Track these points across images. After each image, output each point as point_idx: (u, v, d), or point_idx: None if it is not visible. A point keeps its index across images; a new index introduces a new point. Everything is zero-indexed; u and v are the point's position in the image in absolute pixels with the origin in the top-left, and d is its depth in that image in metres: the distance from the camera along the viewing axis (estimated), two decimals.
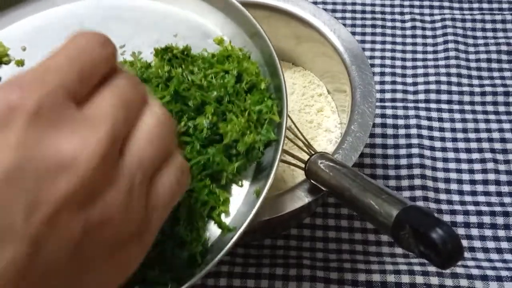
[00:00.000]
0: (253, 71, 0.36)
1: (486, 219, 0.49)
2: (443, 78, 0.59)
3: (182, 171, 0.24)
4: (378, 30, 0.64)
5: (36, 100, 0.18)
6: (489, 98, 0.57)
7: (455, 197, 0.51)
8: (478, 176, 0.52)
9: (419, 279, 0.45)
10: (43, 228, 0.18)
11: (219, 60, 0.37)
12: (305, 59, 0.57)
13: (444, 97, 0.57)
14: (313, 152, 0.39)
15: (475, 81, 0.59)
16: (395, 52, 0.62)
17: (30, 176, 0.18)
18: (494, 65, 0.60)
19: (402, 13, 0.65)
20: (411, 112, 0.56)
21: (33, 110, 0.18)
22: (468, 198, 0.51)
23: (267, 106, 0.35)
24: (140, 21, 0.39)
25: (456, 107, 0.57)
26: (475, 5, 0.65)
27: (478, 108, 0.57)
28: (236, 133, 0.33)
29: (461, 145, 0.54)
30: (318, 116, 0.54)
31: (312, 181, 0.38)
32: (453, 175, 0.52)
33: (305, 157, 0.39)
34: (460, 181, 0.52)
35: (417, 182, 0.51)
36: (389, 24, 0.64)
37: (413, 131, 0.55)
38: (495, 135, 0.54)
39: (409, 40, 0.63)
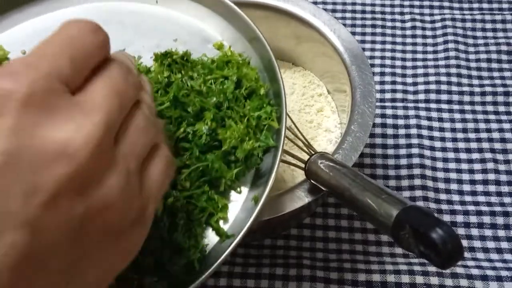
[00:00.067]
0: (253, 77, 0.36)
1: (486, 219, 0.49)
2: (443, 78, 0.59)
3: (168, 161, 0.24)
4: (378, 30, 0.64)
5: (28, 86, 0.18)
6: (489, 98, 0.57)
7: (455, 197, 0.51)
8: (478, 176, 0.52)
9: (419, 279, 0.45)
10: (41, 213, 0.18)
11: (218, 66, 0.37)
12: (305, 59, 0.57)
13: (444, 97, 0.57)
14: (313, 152, 0.39)
15: (475, 81, 0.59)
16: (395, 52, 0.62)
17: (26, 162, 0.18)
18: (494, 65, 0.60)
19: (402, 13, 0.65)
20: (411, 112, 0.56)
21: (25, 96, 0.18)
22: (468, 198, 0.51)
23: (266, 112, 0.35)
24: (140, 26, 0.39)
25: (456, 107, 0.57)
26: (475, 5, 0.66)
27: (478, 108, 0.57)
28: (235, 139, 0.33)
29: (461, 145, 0.54)
30: (318, 116, 0.54)
31: (312, 181, 0.38)
32: (453, 175, 0.52)
33: (305, 157, 0.39)
34: (460, 181, 0.52)
35: (417, 182, 0.51)
36: (389, 24, 0.64)
37: (413, 131, 0.55)
38: (495, 135, 0.54)
39: (409, 40, 0.63)
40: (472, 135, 0.55)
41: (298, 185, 0.41)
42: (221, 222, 0.32)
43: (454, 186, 0.51)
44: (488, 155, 0.53)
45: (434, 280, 0.45)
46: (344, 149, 0.42)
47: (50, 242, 0.18)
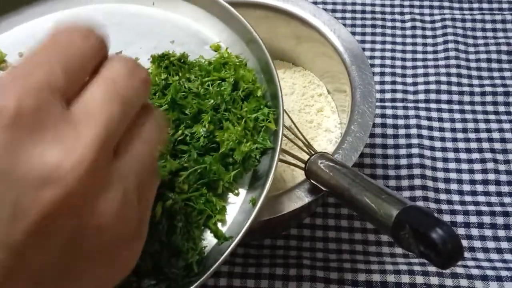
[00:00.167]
0: (250, 79, 0.36)
1: (486, 219, 0.49)
2: (443, 78, 0.59)
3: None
4: (378, 30, 0.64)
5: (16, 102, 0.17)
6: (489, 98, 0.57)
7: (455, 197, 0.51)
8: (478, 176, 0.52)
9: (419, 279, 0.45)
10: (26, 237, 0.17)
11: (215, 68, 0.37)
12: (305, 59, 0.57)
13: (444, 97, 0.57)
14: (313, 152, 0.39)
15: (475, 81, 0.59)
16: (395, 52, 0.62)
17: (12, 186, 0.17)
18: (494, 65, 0.60)
19: (402, 13, 0.65)
20: (411, 112, 0.56)
21: (13, 114, 0.17)
22: (468, 198, 0.51)
23: (263, 114, 0.35)
24: (138, 28, 0.39)
25: (456, 107, 0.57)
26: (475, 5, 0.65)
27: (478, 108, 0.57)
28: (232, 141, 0.33)
29: (461, 145, 0.54)
30: (318, 116, 0.54)
31: (312, 181, 0.38)
32: (453, 175, 0.52)
33: (305, 157, 0.39)
34: (460, 181, 0.52)
35: (417, 182, 0.51)
36: (389, 24, 0.64)
37: (413, 131, 0.55)
38: (495, 135, 0.54)
39: (409, 40, 0.63)
40: (472, 135, 0.55)
41: (298, 185, 0.41)
42: (219, 224, 0.33)
43: (454, 186, 0.51)
44: (488, 155, 0.53)
45: (434, 280, 0.45)
46: (344, 149, 0.42)
47: (38, 263, 0.18)
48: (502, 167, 0.52)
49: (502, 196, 0.50)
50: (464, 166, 0.53)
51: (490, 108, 0.57)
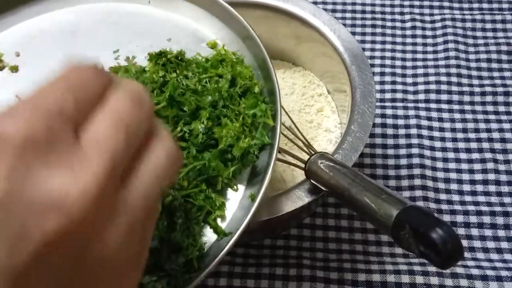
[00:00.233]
0: (247, 75, 0.36)
1: (486, 219, 0.49)
2: (443, 78, 0.59)
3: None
4: (378, 30, 0.64)
5: (28, 128, 0.17)
6: (489, 98, 0.57)
7: (455, 197, 0.51)
8: (478, 176, 0.52)
9: (419, 279, 0.45)
10: (27, 266, 0.17)
11: (213, 65, 0.37)
12: (305, 59, 0.57)
13: (444, 97, 0.57)
14: (313, 152, 0.39)
15: (475, 81, 0.59)
16: (395, 52, 0.62)
17: (17, 212, 0.17)
18: (494, 65, 0.60)
19: (402, 13, 0.65)
20: (411, 112, 0.56)
21: (23, 140, 0.17)
22: (468, 198, 0.51)
23: (261, 110, 0.35)
24: (135, 26, 0.39)
25: (456, 107, 0.57)
26: (475, 5, 0.65)
27: (478, 108, 0.57)
28: (231, 137, 0.33)
29: (461, 145, 0.54)
30: (318, 116, 0.54)
31: (312, 181, 0.38)
32: (453, 175, 0.52)
33: (305, 157, 0.39)
34: (460, 181, 0.52)
35: (417, 182, 0.51)
36: (389, 24, 0.64)
37: (413, 131, 0.55)
38: (495, 135, 0.54)
39: (409, 40, 0.63)
40: (472, 135, 0.55)
41: (298, 185, 0.41)
42: (218, 220, 0.33)
43: (454, 186, 0.51)
44: (488, 155, 0.53)
45: (434, 280, 0.45)
46: (344, 149, 0.42)
47: None
48: (502, 167, 0.52)
49: (502, 196, 0.50)
50: (464, 166, 0.53)
51: (490, 108, 0.57)
